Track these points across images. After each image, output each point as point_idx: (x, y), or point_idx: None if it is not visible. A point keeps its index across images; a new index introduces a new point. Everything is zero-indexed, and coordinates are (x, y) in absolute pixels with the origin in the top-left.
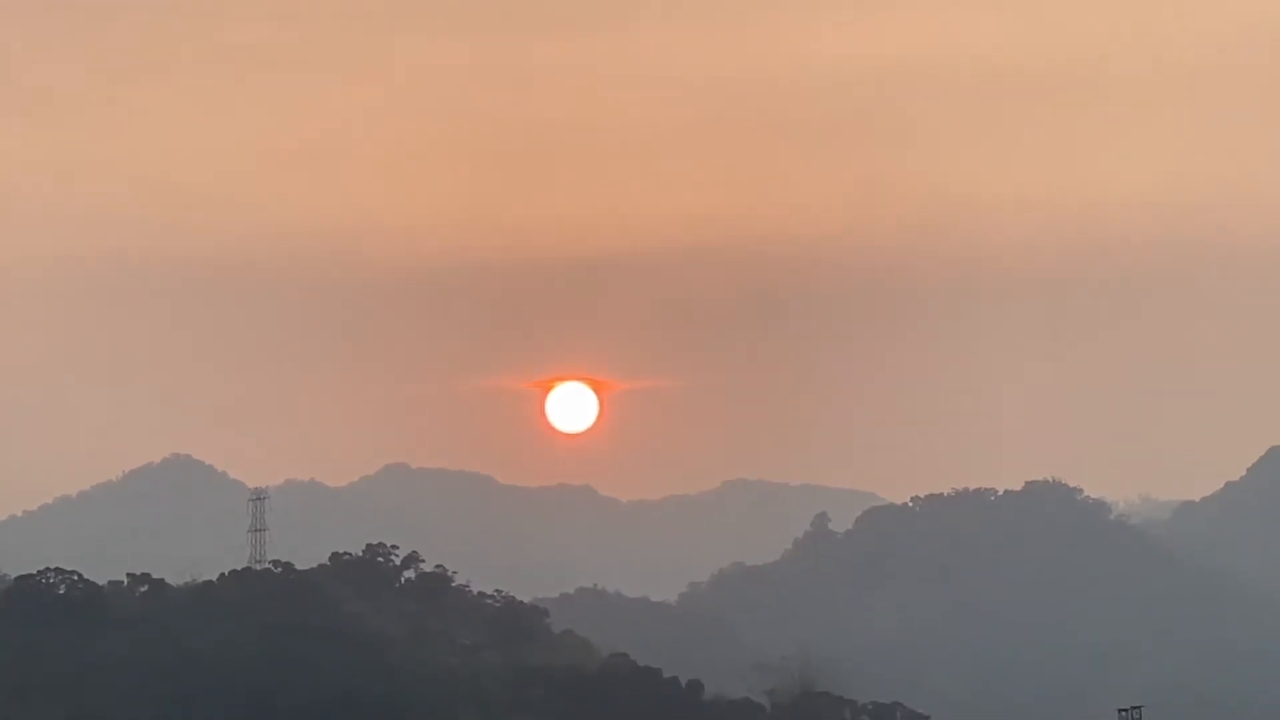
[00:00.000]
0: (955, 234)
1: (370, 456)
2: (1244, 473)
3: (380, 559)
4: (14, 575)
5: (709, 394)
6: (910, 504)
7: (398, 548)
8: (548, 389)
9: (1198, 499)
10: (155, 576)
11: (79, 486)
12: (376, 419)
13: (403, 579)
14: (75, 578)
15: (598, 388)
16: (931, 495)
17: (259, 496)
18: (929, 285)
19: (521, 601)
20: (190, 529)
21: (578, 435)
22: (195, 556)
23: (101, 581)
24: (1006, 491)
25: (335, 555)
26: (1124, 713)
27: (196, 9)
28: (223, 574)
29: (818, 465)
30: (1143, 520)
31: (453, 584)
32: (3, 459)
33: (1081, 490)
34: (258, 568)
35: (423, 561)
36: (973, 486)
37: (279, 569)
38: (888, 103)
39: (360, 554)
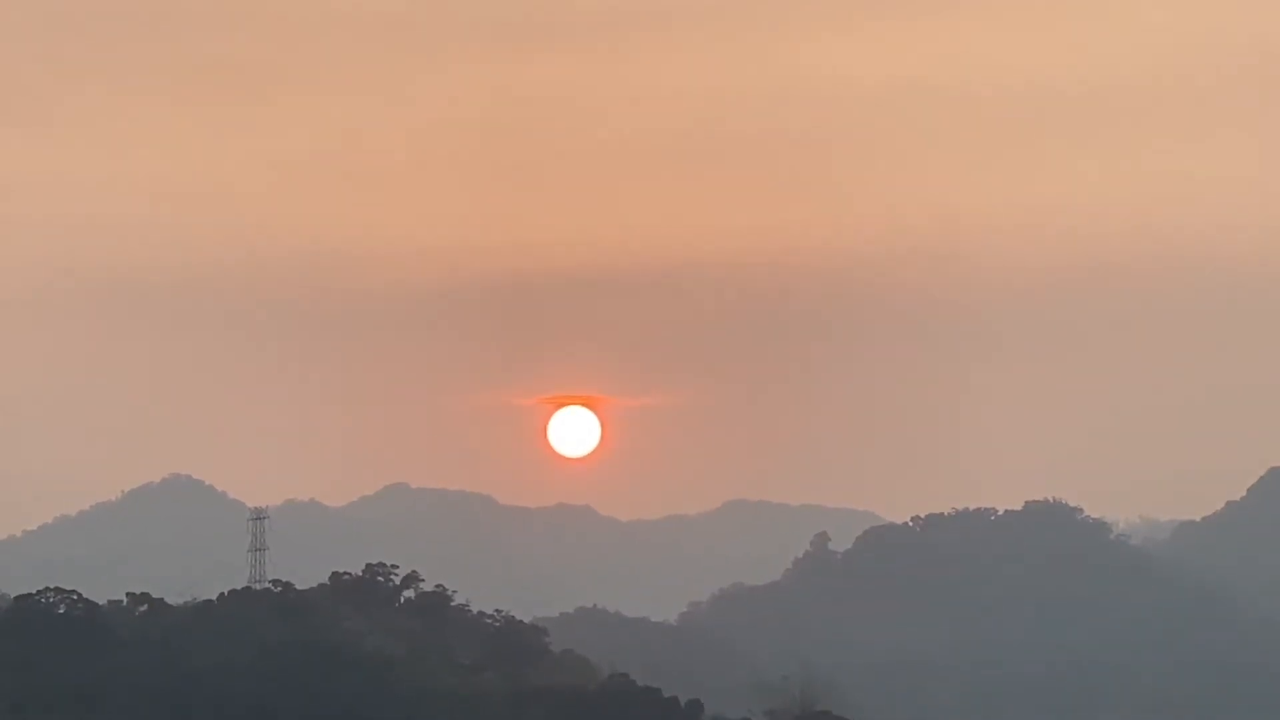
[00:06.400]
0: (955, 253)
1: (370, 476)
2: (1244, 493)
3: (380, 578)
4: (13, 595)
5: (709, 413)
6: (910, 524)
7: (397, 567)
8: (548, 406)
9: (1198, 519)
10: (155, 596)
11: (79, 506)
12: (376, 439)
13: (402, 598)
14: (74, 597)
15: (599, 405)
16: (932, 515)
17: (259, 516)
18: (930, 304)
19: (521, 621)
20: (190, 548)
21: (580, 459)
22: (195, 576)
23: (101, 601)
24: (1006, 511)
25: (335, 575)
26: None
27: (204, 25)
28: (222, 593)
29: (818, 485)
30: (1143, 540)
31: (452, 603)
32: (3, 478)
33: (1081, 510)
34: (257, 587)
35: (422, 581)
36: (973, 506)
37: (279, 588)
38: (890, 119)
39: (360, 573)
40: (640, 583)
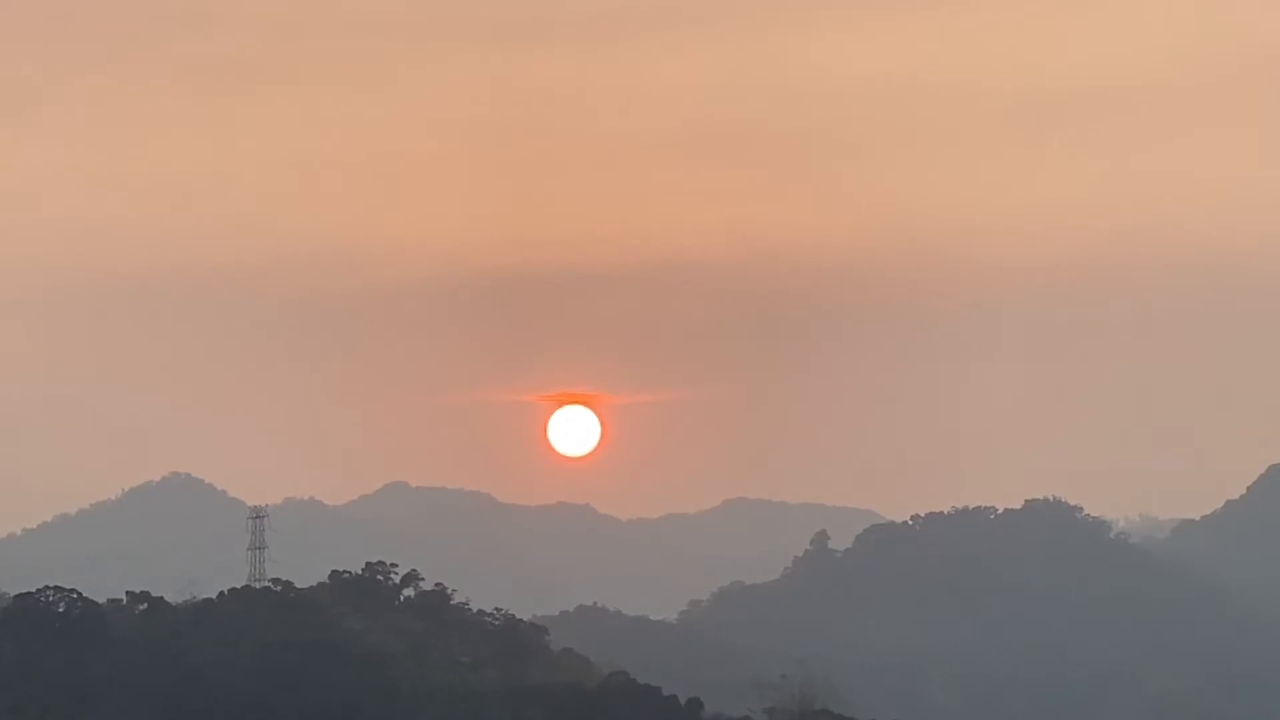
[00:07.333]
0: (956, 251)
1: (370, 475)
2: (1244, 491)
3: (379, 577)
4: (13, 593)
5: (709, 411)
6: (910, 522)
7: (397, 566)
8: (548, 404)
9: (1198, 517)
10: (154, 594)
11: (79, 504)
12: (376, 437)
13: (402, 597)
14: (74, 596)
15: (598, 402)
16: (932, 514)
17: (259, 514)
18: (930, 302)
19: (521, 620)
20: (190, 547)
21: (580, 458)
22: (194, 574)
23: (101, 599)
24: (1006, 510)
25: (335, 573)
26: None
27: (203, 24)
28: (222, 592)
29: (818, 483)
30: (1143, 539)
31: (452, 602)
32: (3, 477)
33: (1081, 509)
34: (257, 586)
35: (422, 579)
36: (973, 505)
37: (278, 587)
38: (891, 117)
39: (359, 572)
40: (640, 581)
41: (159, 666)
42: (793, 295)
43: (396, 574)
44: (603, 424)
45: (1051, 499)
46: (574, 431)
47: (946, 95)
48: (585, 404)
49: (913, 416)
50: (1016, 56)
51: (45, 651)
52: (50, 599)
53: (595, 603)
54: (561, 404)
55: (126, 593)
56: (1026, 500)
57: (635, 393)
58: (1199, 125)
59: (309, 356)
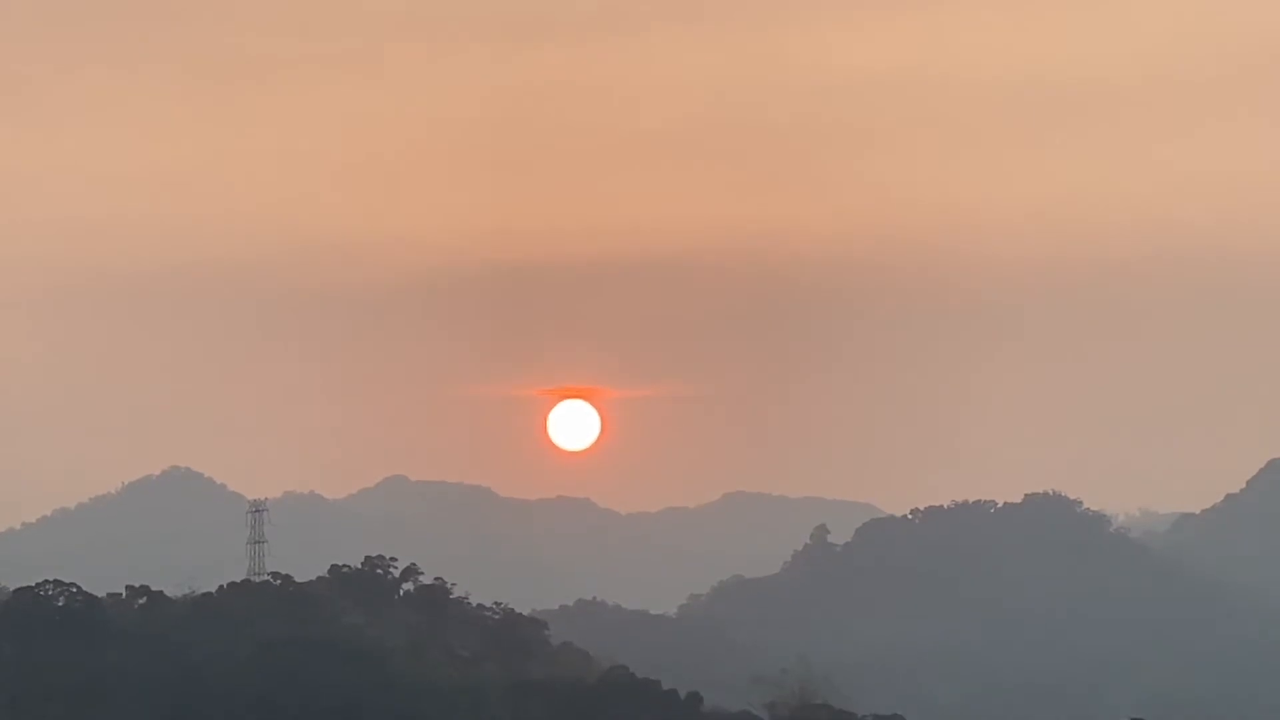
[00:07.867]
0: (956, 246)
1: (369, 468)
2: (1244, 485)
3: (379, 571)
4: (12, 587)
5: (709, 405)
6: (910, 516)
7: (396, 560)
8: (548, 398)
9: (1198, 511)
10: (154, 588)
11: (78, 499)
12: (375, 431)
13: (402, 591)
14: (74, 590)
15: (598, 396)
16: (931, 507)
17: (258, 508)
18: (930, 296)
19: (520, 614)
20: (189, 541)
21: (579, 452)
22: (194, 568)
23: (100, 593)
24: (1006, 504)
25: (334, 567)
26: None
27: (205, 18)
28: (222, 586)
29: (817, 477)
30: (1142, 532)
31: (451, 596)
32: (2, 471)
33: (1081, 503)
34: (257, 580)
35: (421, 573)
36: (972, 499)
37: (278, 581)
38: (894, 116)
39: (359, 566)
40: (640, 575)
41: (158, 660)
42: (793, 290)
43: (396, 568)
44: (602, 418)
45: (1051, 493)
46: (574, 425)
47: (949, 90)
48: (585, 398)
49: (913, 410)
50: (1019, 51)
51: (44, 646)
52: (49, 593)
53: (595, 597)
54: (561, 398)
55: (126, 587)
56: (1026, 494)
57: (635, 387)
58: (1201, 120)
59: (308, 350)
